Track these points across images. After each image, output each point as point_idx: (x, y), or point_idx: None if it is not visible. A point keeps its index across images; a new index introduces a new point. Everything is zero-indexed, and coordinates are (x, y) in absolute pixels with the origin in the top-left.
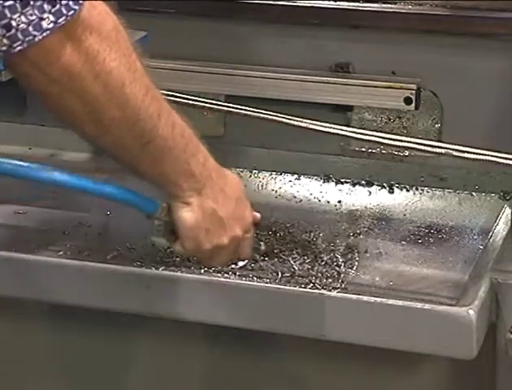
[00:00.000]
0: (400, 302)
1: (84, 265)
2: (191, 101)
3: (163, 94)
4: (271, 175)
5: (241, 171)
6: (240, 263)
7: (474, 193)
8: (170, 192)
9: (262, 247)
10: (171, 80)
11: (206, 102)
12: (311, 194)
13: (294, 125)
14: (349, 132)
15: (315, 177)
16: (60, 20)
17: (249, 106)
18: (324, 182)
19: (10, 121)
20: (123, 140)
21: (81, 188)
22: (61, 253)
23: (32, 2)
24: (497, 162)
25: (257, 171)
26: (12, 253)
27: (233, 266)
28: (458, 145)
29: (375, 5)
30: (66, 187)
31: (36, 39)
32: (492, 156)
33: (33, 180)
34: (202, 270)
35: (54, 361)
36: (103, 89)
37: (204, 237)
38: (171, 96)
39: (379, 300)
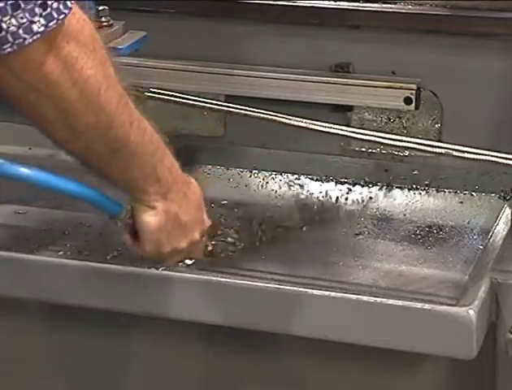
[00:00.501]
0: (400, 302)
1: (84, 265)
2: (191, 101)
3: (163, 94)
4: (270, 175)
5: (241, 171)
6: (188, 261)
7: (474, 193)
8: (135, 195)
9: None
10: (171, 80)
11: (206, 102)
12: (311, 194)
13: (294, 125)
14: (349, 132)
15: (315, 177)
16: (51, 24)
17: (249, 106)
18: (324, 182)
19: (10, 121)
20: (94, 145)
21: (45, 184)
22: (61, 253)
23: (23, 5)
24: (497, 162)
25: (257, 171)
26: (12, 253)
27: (181, 263)
28: (458, 145)
29: (375, 5)
30: (29, 182)
31: (27, 42)
32: (492, 156)
33: None
34: (202, 271)
35: (54, 361)
36: (79, 96)
37: (165, 241)
38: (171, 96)
39: (379, 300)
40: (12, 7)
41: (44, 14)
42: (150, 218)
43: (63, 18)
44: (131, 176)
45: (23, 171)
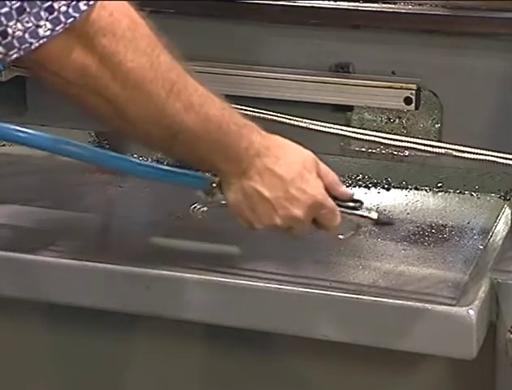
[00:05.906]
0: (400, 302)
1: (84, 265)
2: None
3: None
4: None
5: None
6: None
7: (474, 193)
8: (210, 170)
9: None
10: None
11: None
12: None
13: (294, 125)
14: (349, 132)
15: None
16: (58, 28)
17: (249, 106)
18: None
19: (10, 121)
20: (151, 132)
21: (133, 171)
22: (61, 253)
23: (28, 9)
24: (497, 162)
25: None
26: (12, 253)
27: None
28: (458, 145)
29: (375, 5)
30: (114, 168)
31: (33, 46)
32: (492, 156)
33: (78, 159)
34: (202, 271)
35: (54, 361)
36: (122, 89)
37: (251, 217)
38: None
39: (379, 300)
40: (17, 12)
41: (50, 18)
42: (228, 194)
43: (72, 21)
44: (198, 157)
45: (111, 156)
